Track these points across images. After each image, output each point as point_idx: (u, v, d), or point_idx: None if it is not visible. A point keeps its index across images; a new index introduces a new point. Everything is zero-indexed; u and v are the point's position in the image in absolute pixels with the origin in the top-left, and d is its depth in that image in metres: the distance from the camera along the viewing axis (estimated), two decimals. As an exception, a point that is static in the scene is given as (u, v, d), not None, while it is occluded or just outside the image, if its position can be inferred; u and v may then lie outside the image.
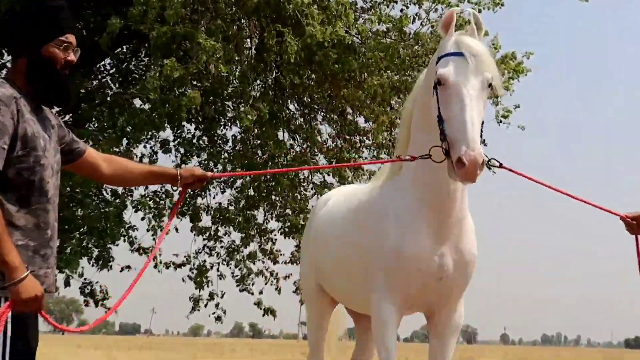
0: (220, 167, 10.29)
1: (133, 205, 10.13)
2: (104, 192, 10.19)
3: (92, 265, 10.14)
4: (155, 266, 10.35)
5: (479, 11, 9.59)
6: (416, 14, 9.53)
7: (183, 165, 9.69)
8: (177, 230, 10.32)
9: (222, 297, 11.14)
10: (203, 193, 10.64)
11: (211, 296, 11.04)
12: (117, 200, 9.92)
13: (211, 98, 9.65)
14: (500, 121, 10.20)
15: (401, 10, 9.63)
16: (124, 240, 10.38)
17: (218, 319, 11.20)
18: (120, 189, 10.29)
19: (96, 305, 10.72)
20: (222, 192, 11.00)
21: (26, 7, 3.28)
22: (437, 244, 4.05)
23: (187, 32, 8.08)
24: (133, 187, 10.25)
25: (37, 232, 3.12)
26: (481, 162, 3.36)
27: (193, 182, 3.78)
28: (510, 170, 3.89)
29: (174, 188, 8.87)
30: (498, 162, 3.75)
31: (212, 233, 11.04)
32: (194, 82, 8.92)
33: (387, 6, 9.77)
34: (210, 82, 9.07)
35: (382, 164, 4.37)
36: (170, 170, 3.83)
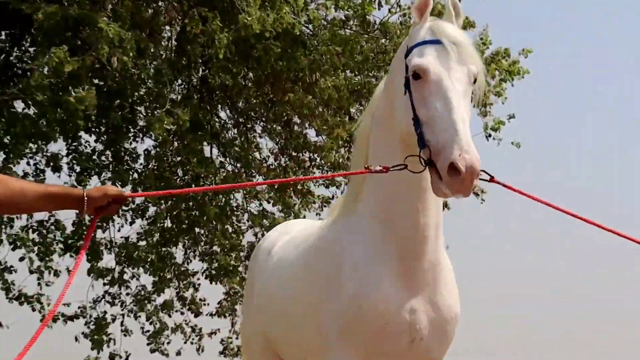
0: (129, 189, 9.24)
1: (10, 240, 9.10)
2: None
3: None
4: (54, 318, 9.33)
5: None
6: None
7: (88, 185, 9.01)
8: (68, 271, 9.30)
9: (127, 359, 10.12)
10: (105, 224, 9.54)
11: (112, 358, 10.01)
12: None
13: (117, 102, 8.82)
14: (489, 135, 9.44)
15: None
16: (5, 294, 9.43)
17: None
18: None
19: None
20: (130, 224, 9.94)
21: None
22: (407, 297, 3.82)
23: (85, 14, 7.46)
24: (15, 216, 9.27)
25: None
26: (478, 170, 3.18)
27: (106, 206, 3.46)
28: (504, 185, 3.75)
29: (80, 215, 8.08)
30: (488, 174, 3.55)
31: (116, 276, 9.95)
32: (95, 80, 8.39)
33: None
34: (116, 81, 8.39)
35: (345, 176, 4.42)
36: (74, 192, 3.49)
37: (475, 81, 3.31)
